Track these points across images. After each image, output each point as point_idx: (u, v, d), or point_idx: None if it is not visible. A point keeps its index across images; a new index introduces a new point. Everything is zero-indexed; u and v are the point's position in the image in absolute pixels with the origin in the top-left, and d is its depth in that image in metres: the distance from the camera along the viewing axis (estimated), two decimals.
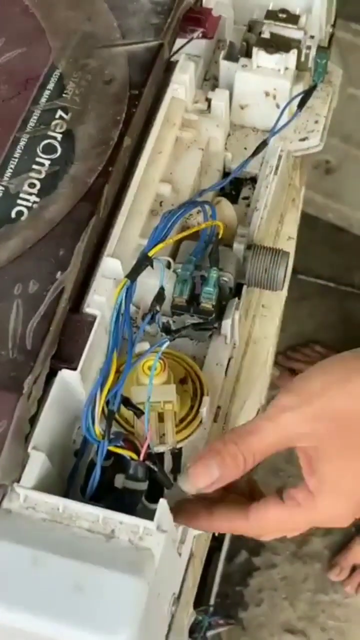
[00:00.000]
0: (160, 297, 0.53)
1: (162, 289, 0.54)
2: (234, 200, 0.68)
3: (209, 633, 1.23)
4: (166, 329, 0.56)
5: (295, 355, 1.49)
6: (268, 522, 0.50)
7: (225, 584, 1.36)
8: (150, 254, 0.54)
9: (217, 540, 1.32)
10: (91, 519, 0.47)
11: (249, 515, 0.50)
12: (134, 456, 0.50)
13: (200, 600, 1.17)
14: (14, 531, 0.47)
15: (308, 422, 0.48)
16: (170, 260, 0.56)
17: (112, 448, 0.50)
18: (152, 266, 0.54)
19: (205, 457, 0.49)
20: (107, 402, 0.52)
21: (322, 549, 1.40)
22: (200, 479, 0.49)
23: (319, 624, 1.36)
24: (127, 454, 0.50)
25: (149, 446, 0.50)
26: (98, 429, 0.50)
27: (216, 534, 0.73)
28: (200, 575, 0.66)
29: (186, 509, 0.51)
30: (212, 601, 1.22)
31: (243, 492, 0.53)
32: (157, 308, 0.53)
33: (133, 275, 0.53)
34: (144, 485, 0.50)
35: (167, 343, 0.52)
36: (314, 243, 1.65)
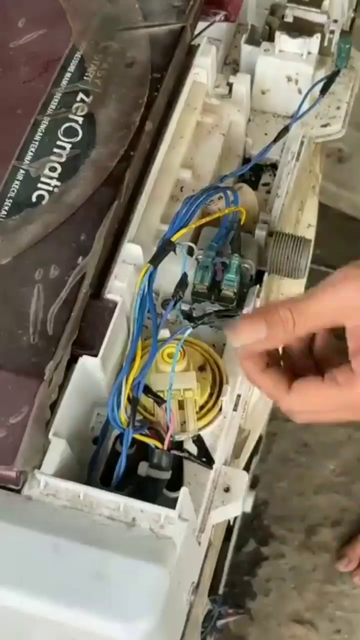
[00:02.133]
0: (183, 283, 0.53)
1: (185, 275, 0.53)
2: (254, 186, 0.68)
3: (218, 623, 1.22)
4: (187, 316, 0.56)
5: None
6: (305, 397, 0.49)
7: (234, 573, 1.35)
8: (173, 239, 0.53)
9: (226, 530, 1.32)
10: (112, 506, 0.47)
11: (291, 387, 0.49)
12: (159, 444, 0.49)
13: (209, 590, 1.17)
14: (35, 518, 0.47)
15: None
16: (193, 245, 0.55)
17: (137, 436, 0.49)
18: (174, 252, 0.54)
19: (256, 314, 0.48)
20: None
21: (331, 540, 1.40)
22: (245, 334, 0.48)
23: (327, 615, 1.36)
24: (151, 442, 0.50)
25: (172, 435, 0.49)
26: (123, 416, 0.49)
27: (230, 522, 0.73)
28: (215, 564, 0.66)
29: (249, 352, 0.49)
30: (220, 591, 1.22)
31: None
32: (180, 294, 0.53)
33: (156, 261, 0.52)
34: (167, 474, 0.50)
35: (190, 330, 0.52)
36: (325, 232, 1.63)
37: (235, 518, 1.27)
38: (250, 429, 0.63)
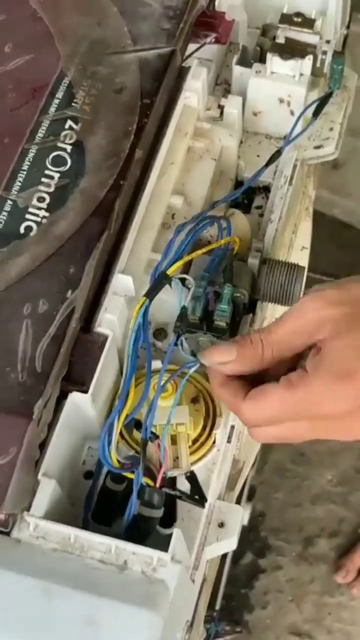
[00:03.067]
0: (183, 317, 0.52)
1: (184, 309, 0.52)
2: (246, 209, 0.67)
3: None
4: (193, 353, 0.54)
5: None
6: (259, 402, 0.48)
7: (231, 586, 1.35)
8: (168, 272, 0.52)
9: None
10: (103, 549, 0.46)
11: (247, 395, 0.49)
12: (150, 482, 0.48)
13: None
14: (25, 562, 0.46)
15: (328, 305, 0.47)
16: (189, 278, 0.54)
17: (129, 475, 0.48)
18: (170, 285, 0.53)
19: (229, 341, 0.51)
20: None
21: (328, 551, 1.39)
22: (215, 355, 0.50)
23: (325, 627, 1.35)
24: (143, 480, 0.49)
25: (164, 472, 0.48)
26: (115, 457, 0.48)
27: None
28: (209, 596, 0.65)
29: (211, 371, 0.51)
30: (218, 606, 1.21)
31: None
32: (182, 329, 0.52)
33: (152, 294, 0.51)
34: (159, 513, 0.49)
35: (197, 367, 0.51)
36: (320, 239, 1.62)
37: None
38: (245, 460, 0.62)
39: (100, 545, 0.46)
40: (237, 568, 1.39)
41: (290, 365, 0.50)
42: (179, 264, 0.53)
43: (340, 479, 1.44)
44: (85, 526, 0.49)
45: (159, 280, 0.52)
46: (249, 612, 1.36)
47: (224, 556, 1.33)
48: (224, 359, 0.50)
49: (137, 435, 0.51)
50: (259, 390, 0.49)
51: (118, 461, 0.49)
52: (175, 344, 0.52)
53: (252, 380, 0.50)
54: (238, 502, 0.79)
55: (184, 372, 0.53)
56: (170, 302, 0.57)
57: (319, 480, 1.45)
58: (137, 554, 0.46)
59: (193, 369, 0.52)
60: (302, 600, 1.37)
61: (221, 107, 0.65)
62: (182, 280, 0.55)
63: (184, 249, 0.53)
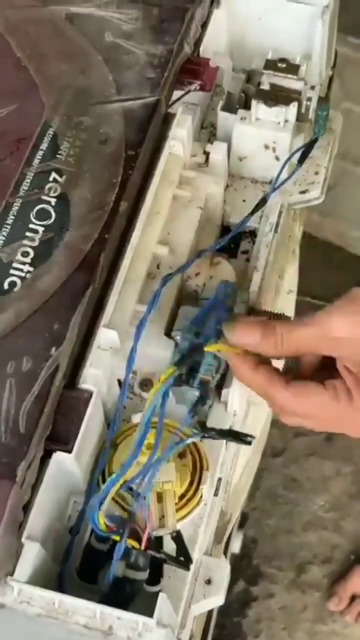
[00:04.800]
0: (202, 401, 0.53)
1: (203, 400, 0.53)
2: (232, 254, 0.67)
3: None
4: (202, 425, 0.54)
5: None
6: (305, 398, 0.51)
7: (223, 615, 1.34)
8: (206, 348, 0.53)
9: None
10: (88, 614, 0.46)
11: (290, 383, 0.51)
12: (136, 545, 0.48)
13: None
14: (9, 627, 0.45)
15: (352, 325, 0.48)
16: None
17: (115, 537, 0.48)
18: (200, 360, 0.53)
19: (255, 321, 0.52)
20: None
21: (321, 578, 1.39)
22: (240, 335, 0.52)
23: None
24: (128, 542, 0.48)
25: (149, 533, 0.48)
26: (103, 521, 0.47)
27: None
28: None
29: (237, 356, 0.52)
30: (210, 637, 1.20)
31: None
32: (197, 411, 0.53)
33: (182, 364, 0.52)
34: (144, 575, 0.48)
35: (197, 439, 0.51)
36: (310, 261, 1.63)
37: None
38: (232, 512, 0.62)
39: (85, 610, 0.46)
40: (229, 596, 1.38)
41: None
42: (217, 347, 0.53)
43: (332, 505, 1.44)
44: (62, 582, 0.49)
45: (193, 352, 0.53)
46: None
47: None
48: (248, 340, 0.51)
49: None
50: (303, 385, 0.51)
51: (105, 524, 0.49)
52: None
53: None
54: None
55: (182, 435, 0.52)
56: (155, 353, 0.57)
57: (311, 506, 1.44)
58: (122, 619, 0.45)
59: (191, 439, 0.52)
60: (295, 628, 1.36)
61: (206, 154, 0.65)
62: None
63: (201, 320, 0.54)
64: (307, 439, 1.44)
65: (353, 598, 1.35)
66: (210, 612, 1.28)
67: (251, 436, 0.52)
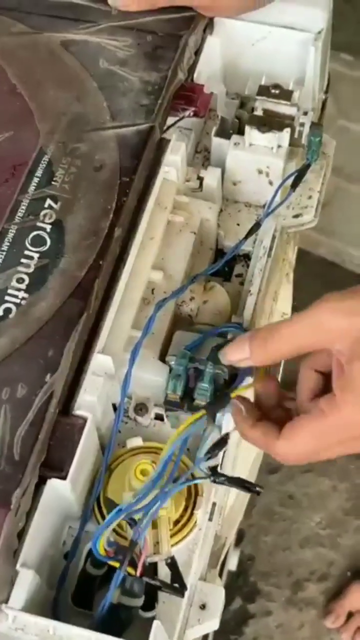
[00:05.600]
0: (222, 443, 0.53)
1: (224, 439, 0.53)
2: (227, 277, 0.67)
3: None
4: (214, 472, 0.54)
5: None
6: (295, 438, 0.50)
7: (220, 632, 1.33)
8: (233, 394, 0.53)
9: None
10: None
11: (281, 432, 0.50)
12: (132, 571, 0.48)
13: None
14: None
15: (346, 316, 0.47)
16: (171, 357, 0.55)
17: (112, 563, 0.48)
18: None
19: (240, 337, 0.52)
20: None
21: (318, 595, 1.38)
22: (232, 354, 0.52)
23: None
24: None
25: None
26: (103, 546, 0.48)
27: None
28: None
29: (239, 411, 0.52)
30: None
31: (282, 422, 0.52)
32: (216, 452, 0.53)
33: (213, 409, 0.53)
34: (139, 601, 0.48)
35: (207, 481, 0.52)
36: (306, 278, 1.64)
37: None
38: (227, 536, 0.62)
39: (79, 637, 0.46)
40: (226, 614, 1.37)
41: (313, 392, 0.52)
42: (245, 389, 0.54)
43: (329, 522, 1.44)
44: (56, 608, 0.49)
45: (224, 398, 0.53)
46: None
47: None
48: (239, 356, 0.52)
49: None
50: (289, 427, 0.50)
51: (105, 549, 0.49)
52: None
53: (279, 418, 0.52)
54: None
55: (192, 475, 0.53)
56: (150, 378, 0.57)
57: (307, 523, 1.44)
58: None
59: (200, 481, 0.52)
60: None
61: (200, 179, 0.65)
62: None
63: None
64: None
65: (350, 615, 1.35)
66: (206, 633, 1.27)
67: (260, 487, 0.52)
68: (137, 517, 0.48)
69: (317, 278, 1.66)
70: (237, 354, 0.52)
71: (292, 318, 0.49)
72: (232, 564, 1.33)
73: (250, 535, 1.44)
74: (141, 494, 0.48)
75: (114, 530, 0.51)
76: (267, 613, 1.39)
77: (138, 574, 0.48)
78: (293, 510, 1.46)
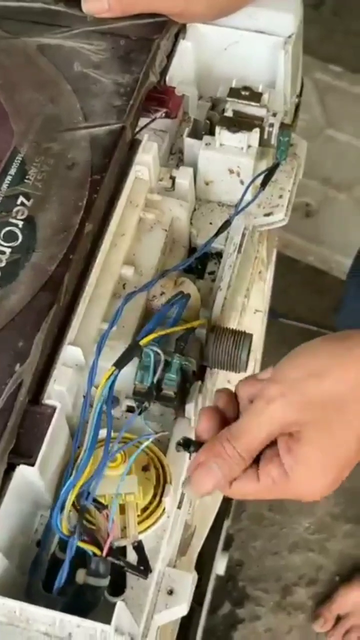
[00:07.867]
0: (149, 393, 0.54)
1: (152, 385, 0.54)
2: (200, 275, 0.69)
3: None
4: (131, 411, 0.56)
5: None
6: (245, 494, 0.52)
7: (209, 637, 1.34)
8: (142, 342, 0.54)
9: (198, 594, 1.30)
10: (48, 622, 0.47)
11: (231, 485, 0.51)
12: (97, 551, 0.49)
13: None
14: None
15: (294, 411, 0.49)
16: (160, 352, 0.56)
17: (79, 543, 0.49)
18: (141, 355, 0.54)
19: (204, 461, 0.51)
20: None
21: (306, 600, 1.39)
22: (205, 484, 0.51)
23: None
24: (89, 548, 0.50)
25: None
26: (66, 525, 0.49)
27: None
28: None
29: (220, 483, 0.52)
30: None
31: None
32: (146, 405, 0.54)
33: (121, 364, 0.53)
34: (105, 582, 0.50)
35: (153, 438, 0.53)
36: (295, 286, 1.66)
37: (208, 581, 1.26)
38: (197, 525, 0.63)
39: (45, 618, 0.47)
40: (215, 619, 1.38)
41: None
42: (153, 336, 0.54)
43: (317, 527, 1.45)
44: (29, 594, 0.50)
45: (132, 350, 0.54)
46: None
47: (200, 607, 1.33)
48: (213, 482, 0.51)
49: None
50: (240, 484, 0.51)
51: (68, 529, 0.50)
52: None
53: None
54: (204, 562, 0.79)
55: (139, 443, 0.54)
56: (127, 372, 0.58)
57: (296, 528, 1.45)
58: (81, 626, 0.47)
59: (149, 440, 0.53)
60: None
61: (173, 178, 0.67)
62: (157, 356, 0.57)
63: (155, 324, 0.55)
64: None
65: (338, 619, 1.35)
66: (195, 635, 1.28)
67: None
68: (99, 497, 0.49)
69: (305, 285, 1.68)
70: (210, 482, 0.51)
71: (242, 423, 0.51)
72: (221, 569, 1.34)
73: (239, 540, 1.44)
74: (83, 460, 0.50)
75: (85, 519, 0.52)
76: (256, 618, 1.40)
77: (104, 554, 0.49)
78: (282, 516, 1.47)
